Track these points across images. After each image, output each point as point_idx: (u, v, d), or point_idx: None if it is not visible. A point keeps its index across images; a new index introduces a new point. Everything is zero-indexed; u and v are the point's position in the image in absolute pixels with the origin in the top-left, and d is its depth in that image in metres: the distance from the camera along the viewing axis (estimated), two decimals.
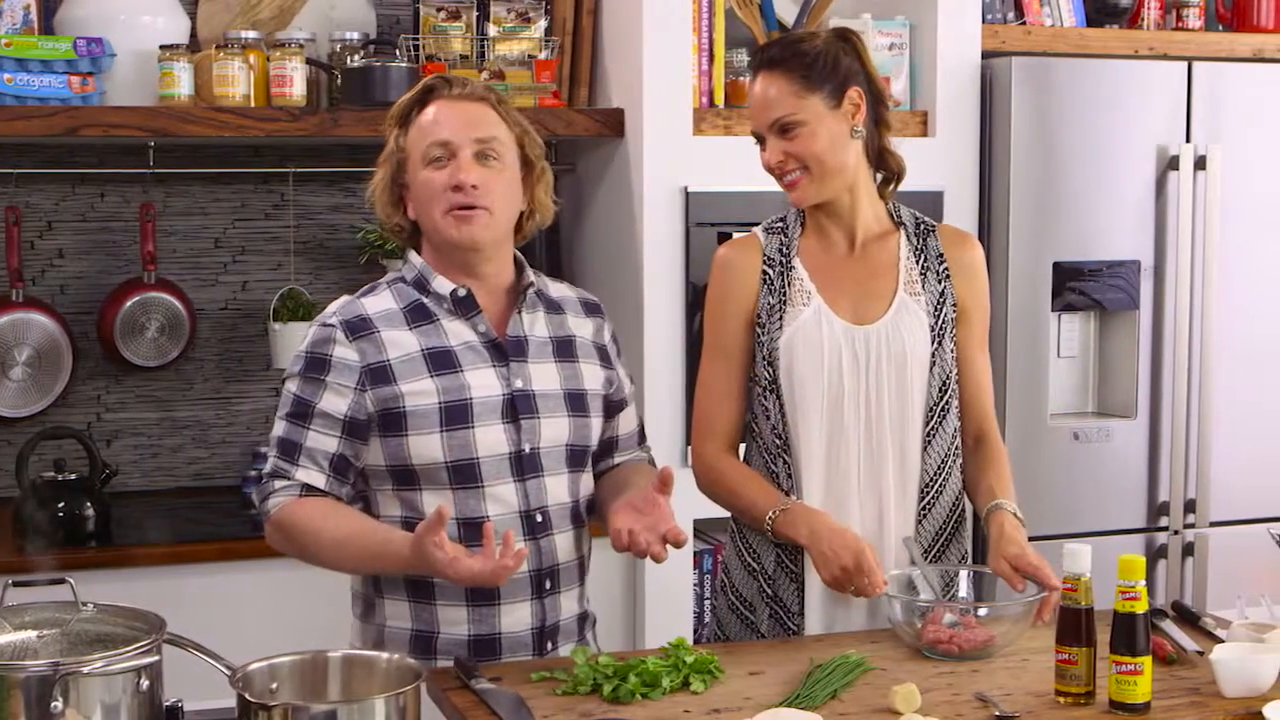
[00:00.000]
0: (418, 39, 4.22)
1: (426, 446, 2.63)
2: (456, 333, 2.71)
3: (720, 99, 4.11)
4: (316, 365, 2.67)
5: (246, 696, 2.13)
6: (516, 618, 2.70)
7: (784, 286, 2.90)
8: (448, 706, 2.42)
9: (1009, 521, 2.83)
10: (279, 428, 2.69)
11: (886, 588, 2.72)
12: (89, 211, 4.37)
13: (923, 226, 2.98)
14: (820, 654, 2.60)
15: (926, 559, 2.89)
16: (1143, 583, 2.38)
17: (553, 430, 2.73)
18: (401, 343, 2.67)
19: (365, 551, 2.62)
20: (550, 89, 4.19)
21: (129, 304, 4.25)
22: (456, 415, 2.64)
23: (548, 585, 2.73)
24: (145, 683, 2.14)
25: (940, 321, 2.91)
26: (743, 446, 3.01)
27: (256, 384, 4.52)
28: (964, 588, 2.84)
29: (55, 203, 4.34)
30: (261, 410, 4.52)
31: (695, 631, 4.04)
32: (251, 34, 4.04)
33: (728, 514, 3.01)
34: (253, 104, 3.97)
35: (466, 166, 2.67)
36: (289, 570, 3.84)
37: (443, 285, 2.72)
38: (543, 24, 4.29)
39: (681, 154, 4.00)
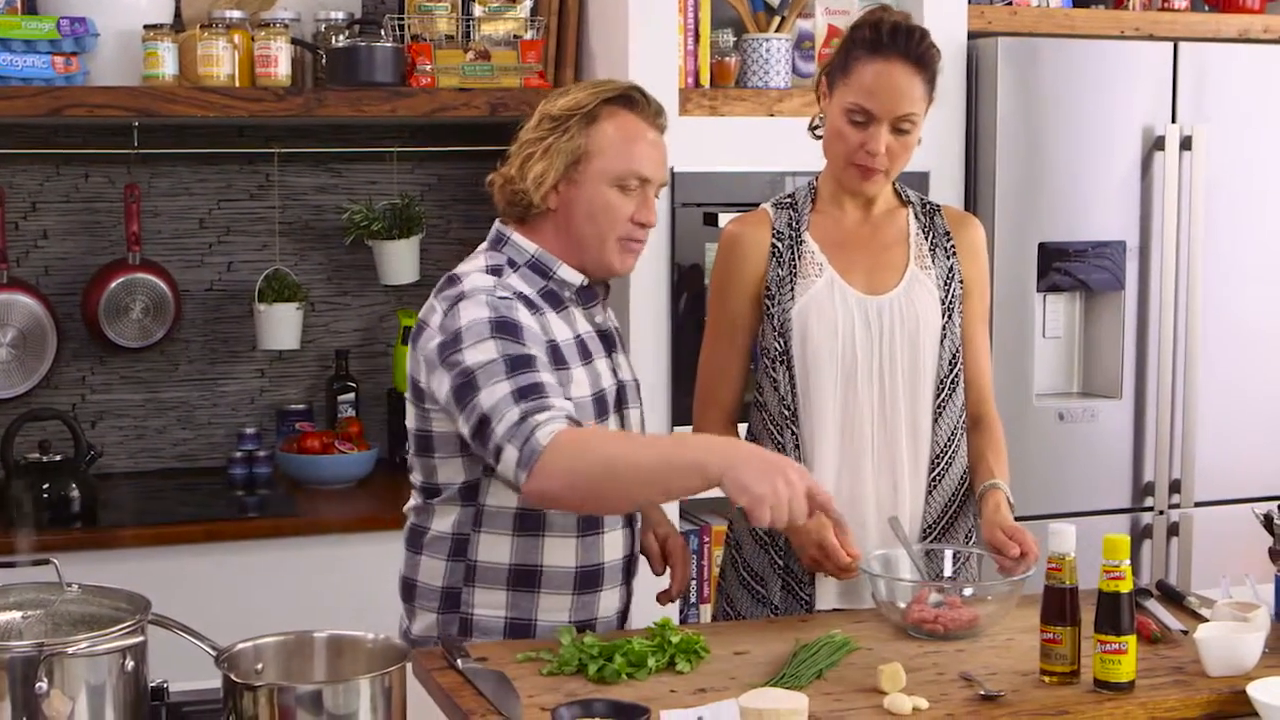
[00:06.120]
0: (403, 19, 4.21)
1: None
2: (580, 322, 2.72)
3: (706, 79, 4.10)
4: (509, 328, 2.55)
5: (232, 677, 2.13)
6: (610, 602, 2.75)
7: (794, 259, 2.91)
8: (433, 686, 2.42)
9: (1004, 502, 2.87)
10: (502, 389, 2.47)
11: (859, 562, 2.74)
12: (73, 192, 4.35)
13: (928, 206, 3.02)
14: (806, 634, 2.60)
15: (935, 530, 2.93)
16: (1127, 562, 2.38)
17: (637, 419, 2.80)
18: (557, 327, 2.66)
19: (683, 449, 2.44)
20: (536, 69, 4.18)
21: (114, 285, 4.24)
22: (600, 407, 2.68)
23: (631, 569, 2.81)
24: (130, 663, 2.14)
25: (949, 296, 2.94)
26: (743, 427, 3.03)
27: (242, 365, 4.52)
28: (949, 568, 2.85)
29: (39, 183, 4.33)
30: (247, 391, 4.51)
31: (681, 611, 4.04)
32: (236, 14, 4.03)
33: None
34: (237, 84, 3.96)
35: (653, 207, 2.73)
36: (274, 551, 3.87)
37: (571, 275, 2.70)
38: (528, 4, 4.28)
39: (667, 134, 3.99)
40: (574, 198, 2.67)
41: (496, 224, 2.76)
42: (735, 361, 2.98)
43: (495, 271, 2.67)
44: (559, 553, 2.68)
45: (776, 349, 2.91)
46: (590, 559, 2.70)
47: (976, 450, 2.99)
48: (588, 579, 2.71)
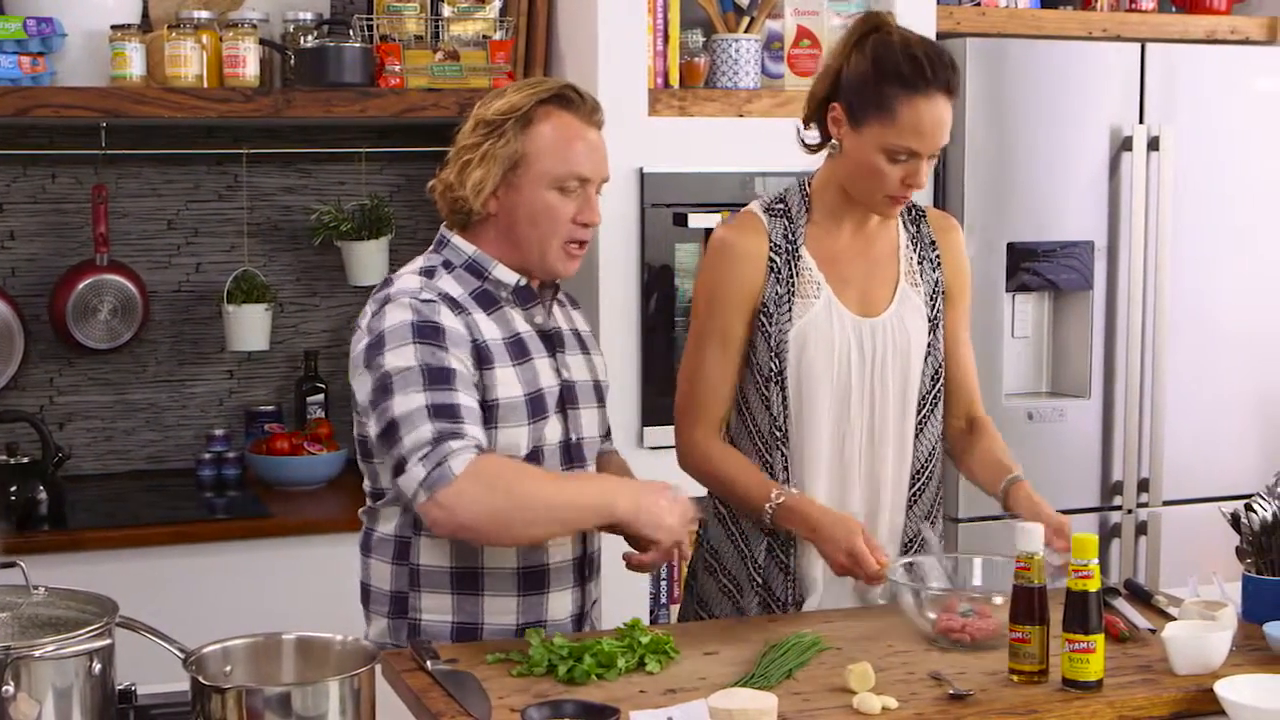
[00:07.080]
0: (372, 19, 4.20)
1: (514, 439, 2.61)
2: (518, 322, 2.69)
3: (675, 80, 4.10)
4: (430, 332, 2.54)
5: (200, 679, 2.12)
6: (561, 605, 2.72)
7: (792, 276, 2.85)
8: (402, 688, 2.42)
9: (1034, 491, 2.81)
10: (417, 400, 2.49)
11: (887, 569, 2.71)
12: (40, 193, 4.33)
13: (914, 212, 2.98)
14: (775, 634, 2.60)
15: (914, 544, 2.91)
16: (1095, 561, 2.39)
17: (589, 420, 2.77)
18: (486, 327, 2.63)
19: (591, 487, 2.63)
20: (505, 70, 4.18)
21: (81, 286, 4.23)
22: (537, 407, 2.65)
23: (586, 572, 2.77)
24: (98, 666, 2.13)
25: (934, 312, 2.92)
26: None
27: (210, 366, 4.50)
28: (977, 576, 2.80)
29: (6, 184, 4.31)
30: (215, 393, 4.50)
31: (651, 612, 4.04)
32: (204, 14, 4.02)
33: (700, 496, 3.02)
34: (205, 85, 3.95)
35: (596, 205, 2.68)
36: (244, 552, 3.86)
37: (506, 274, 2.68)
38: (497, 4, 4.28)
39: (636, 135, 4.00)
40: (514, 203, 2.65)
41: (441, 227, 2.75)
42: (730, 373, 2.89)
43: (428, 273, 2.66)
44: (499, 553, 2.65)
45: (772, 369, 2.86)
46: (533, 559, 2.67)
47: (985, 451, 2.94)
48: (532, 580, 2.68)
